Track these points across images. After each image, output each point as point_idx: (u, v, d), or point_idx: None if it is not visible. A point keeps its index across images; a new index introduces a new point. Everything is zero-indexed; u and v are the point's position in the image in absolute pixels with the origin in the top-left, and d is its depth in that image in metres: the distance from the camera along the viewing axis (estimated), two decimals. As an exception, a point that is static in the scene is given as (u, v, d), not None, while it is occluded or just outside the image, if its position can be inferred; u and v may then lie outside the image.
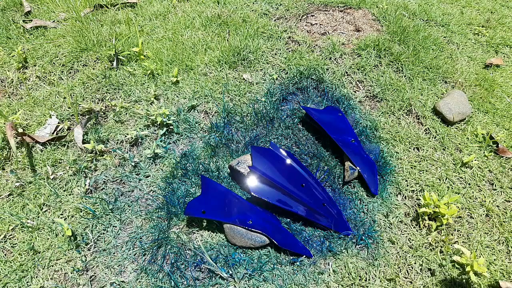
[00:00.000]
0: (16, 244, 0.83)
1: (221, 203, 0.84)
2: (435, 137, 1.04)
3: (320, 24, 1.37)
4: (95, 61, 1.22)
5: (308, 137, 1.04)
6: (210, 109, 1.09)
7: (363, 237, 0.83)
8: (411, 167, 0.97)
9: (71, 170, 0.94)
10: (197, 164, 0.96)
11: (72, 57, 1.22)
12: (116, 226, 0.85)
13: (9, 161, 0.96)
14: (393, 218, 0.87)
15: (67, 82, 1.17)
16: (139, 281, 0.77)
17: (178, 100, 1.11)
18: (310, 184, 0.88)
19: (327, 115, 1.03)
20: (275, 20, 1.38)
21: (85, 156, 0.97)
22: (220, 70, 1.19)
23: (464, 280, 0.76)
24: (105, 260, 0.80)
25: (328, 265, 0.80)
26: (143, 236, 0.83)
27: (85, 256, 0.80)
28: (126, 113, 1.07)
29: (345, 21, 1.38)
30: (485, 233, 0.86)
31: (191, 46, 1.26)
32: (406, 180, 0.94)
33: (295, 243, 0.81)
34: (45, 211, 0.88)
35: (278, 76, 1.17)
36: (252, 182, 0.85)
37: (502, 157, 1.00)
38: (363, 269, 0.79)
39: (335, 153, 1.00)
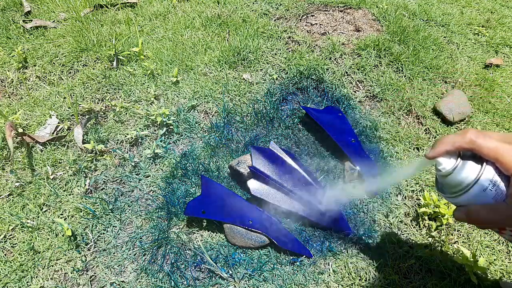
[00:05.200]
0: (16, 244, 0.83)
1: (221, 203, 0.84)
2: (435, 137, 1.04)
3: (320, 24, 1.37)
4: (95, 61, 1.22)
5: (308, 137, 1.04)
6: (210, 109, 1.09)
7: (363, 237, 0.83)
8: (411, 167, 0.97)
9: (71, 170, 0.94)
10: (197, 164, 0.96)
11: (72, 57, 1.22)
12: (116, 226, 0.85)
13: (9, 161, 0.96)
14: (393, 218, 0.87)
15: (67, 82, 1.17)
16: (139, 281, 0.77)
17: (178, 100, 1.11)
18: (310, 184, 0.87)
19: (327, 115, 1.03)
20: (275, 20, 1.38)
21: (85, 156, 0.97)
22: (220, 70, 1.19)
23: (464, 280, 0.76)
24: (105, 260, 0.80)
25: (328, 265, 0.80)
26: (143, 236, 0.83)
27: (85, 256, 0.80)
28: (126, 113, 1.07)
29: (345, 21, 1.38)
30: (485, 233, 0.85)
31: (191, 46, 1.26)
32: (406, 180, 0.94)
33: (295, 243, 0.81)
34: (45, 211, 0.88)
35: (278, 76, 1.17)
36: (252, 182, 0.85)
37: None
38: (363, 269, 0.79)
39: (335, 153, 1.00)
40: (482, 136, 0.41)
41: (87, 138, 1.00)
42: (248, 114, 1.08)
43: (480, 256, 0.79)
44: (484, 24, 1.47)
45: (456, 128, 1.07)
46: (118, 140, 1.02)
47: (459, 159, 0.44)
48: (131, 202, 0.89)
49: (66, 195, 0.90)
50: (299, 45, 1.28)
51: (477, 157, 0.43)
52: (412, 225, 0.87)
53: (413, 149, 1.01)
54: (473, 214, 0.43)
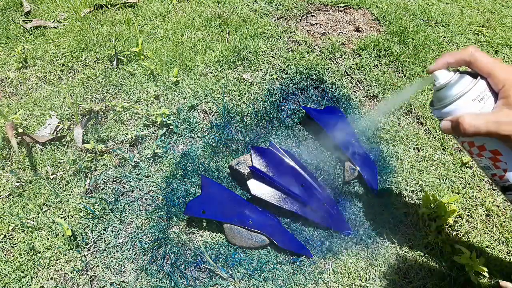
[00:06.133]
0: (16, 244, 0.83)
1: (221, 203, 0.84)
2: (435, 137, 1.04)
3: (320, 24, 1.37)
4: (95, 61, 1.22)
5: (308, 137, 1.04)
6: (210, 109, 1.09)
7: (363, 237, 0.83)
8: (411, 167, 0.97)
9: (71, 170, 0.94)
10: (197, 164, 0.96)
11: (72, 57, 1.22)
12: (116, 226, 0.85)
13: (9, 161, 0.96)
14: (393, 218, 0.87)
15: (67, 82, 1.17)
16: (139, 281, 0.77)
17: (178, 100, 1.11)
18: (310, 184, 0.88)
19: (327, 115, 1.03)
20: (275, 20, 1.38)
21: (85, 156, 0.97)
22: (220, 70, 1.19)
23: (464, 280, 0.76)
24: (105, 260, 0.80)
25: (328, 265, 0.80)
26: (143, 236, 0.83)
27: (85, 256, 0.80)
28: (126, 113, 1.07)
29: (345, 21, 1.38)
30: (485, 233, 0.86)
31: (191, 46, 1.26)
32: (406, 180, 0.94)
33: (295, 243, 0.81)
34: (45, 211, 0.88)
35: (278, 76, 1.17)
36: (252, 182, 0.85)
37: (502, 157, 1.00)
38: (363, 269, 0.79)
39: (335, 153, 1.00)
40: (481, 52, 0.46)
41: (87, 138, 1.00)
42: (248, 114, 1.08)
43: (480, 256, 0.79)
44: (484, 24, 1.47)
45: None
46: (118, 140, 1.02)
47: (457, 73, 0.48)
48: (131, 202, 0.89)
49: (66, 195, 0.90)
50: (299, 45, 1.28)
51: (473, 74, 0.47)
52: (412, 225, 0.87)
53: (413, 149, 1.01)
54: (459, 120, 0.45)
